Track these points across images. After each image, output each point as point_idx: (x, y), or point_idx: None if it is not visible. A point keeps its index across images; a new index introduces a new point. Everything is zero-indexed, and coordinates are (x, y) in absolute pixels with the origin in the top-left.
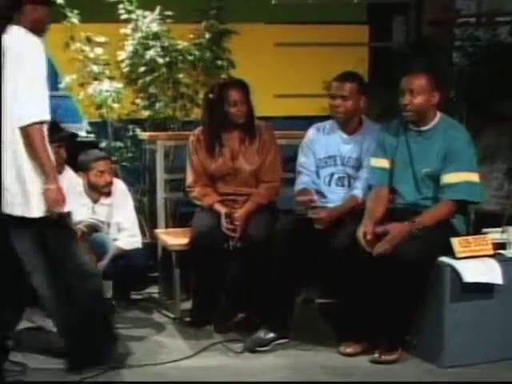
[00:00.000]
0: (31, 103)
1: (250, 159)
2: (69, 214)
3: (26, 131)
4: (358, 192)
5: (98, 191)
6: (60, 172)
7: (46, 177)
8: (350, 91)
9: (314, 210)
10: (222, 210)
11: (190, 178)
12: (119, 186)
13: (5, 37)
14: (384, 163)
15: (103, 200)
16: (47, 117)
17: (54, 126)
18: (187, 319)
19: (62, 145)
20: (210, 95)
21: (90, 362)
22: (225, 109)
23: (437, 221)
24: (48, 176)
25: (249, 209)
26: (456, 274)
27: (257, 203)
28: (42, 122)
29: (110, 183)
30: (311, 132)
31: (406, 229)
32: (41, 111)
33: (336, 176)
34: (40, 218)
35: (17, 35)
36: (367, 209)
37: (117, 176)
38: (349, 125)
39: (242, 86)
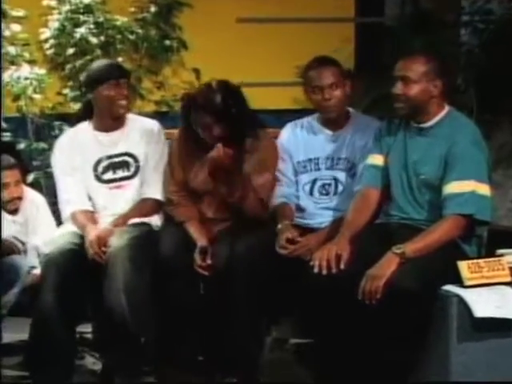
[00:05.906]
0: None
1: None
2: None
3: None
4: None
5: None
6: None
7: None
8: (336, 77)
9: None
10: (200, 241)
11: (170, 186)
12: (34, 198)
13: None
14: (378, 160)
15: (14, 216)
16: None
17: None
18: None
19: None
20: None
21: None
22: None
23: (438, 243)
24: None
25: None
26: (465, 306)
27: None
28: None
29: (18, 198)
30: (286, 131)
31: (391, 268)
32: None
33: (320, 183)
34: None
35: None
36: (345, 218)
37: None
38: (337, 119)
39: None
